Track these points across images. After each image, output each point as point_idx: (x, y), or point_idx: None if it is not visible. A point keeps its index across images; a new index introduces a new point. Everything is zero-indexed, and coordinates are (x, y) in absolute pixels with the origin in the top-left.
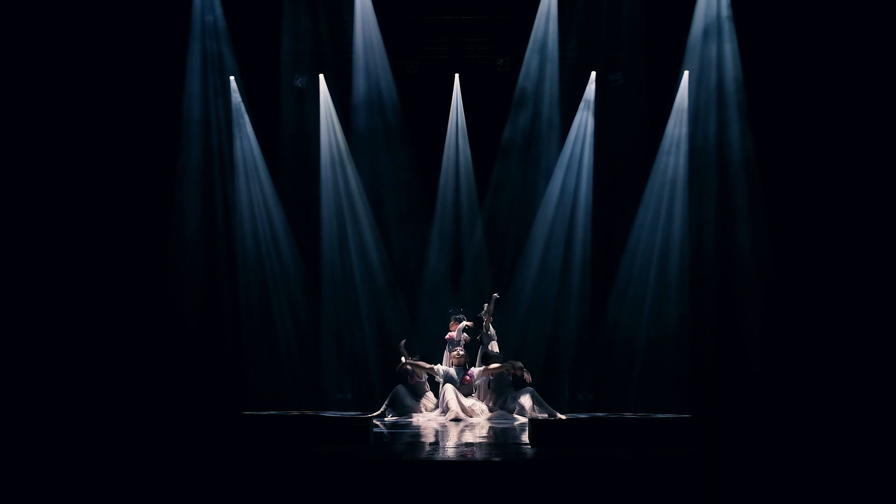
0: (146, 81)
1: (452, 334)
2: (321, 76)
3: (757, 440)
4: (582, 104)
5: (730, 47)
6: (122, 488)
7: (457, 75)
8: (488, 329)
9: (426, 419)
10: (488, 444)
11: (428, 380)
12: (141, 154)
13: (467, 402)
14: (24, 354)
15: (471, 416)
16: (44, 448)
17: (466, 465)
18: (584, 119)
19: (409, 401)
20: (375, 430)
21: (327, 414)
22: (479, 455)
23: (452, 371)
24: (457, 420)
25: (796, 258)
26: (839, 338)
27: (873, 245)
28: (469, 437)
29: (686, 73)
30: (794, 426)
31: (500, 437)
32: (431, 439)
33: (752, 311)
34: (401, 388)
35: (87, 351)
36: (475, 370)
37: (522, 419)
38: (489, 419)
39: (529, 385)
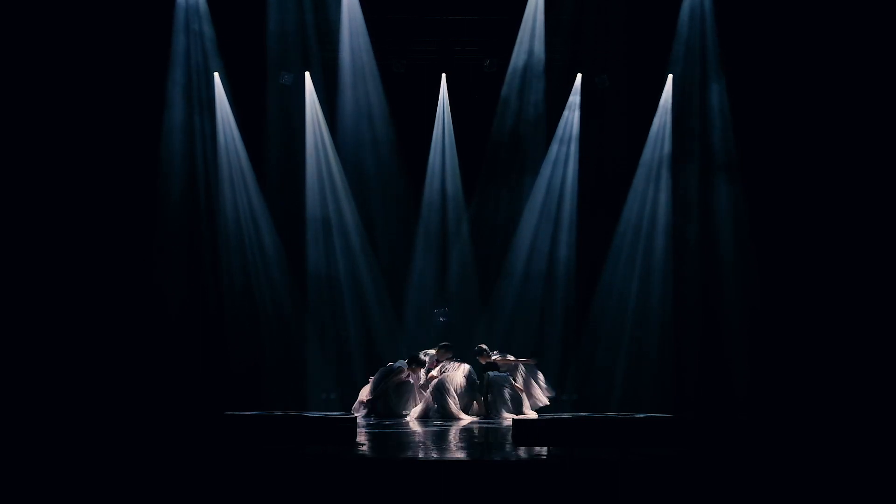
0: (129, 77)
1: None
2: (307, 74)
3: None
4: (568, 105)
5: (713, 50)
6: (102, 490)
7: (444, 75)
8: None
9: (411, 418)
10: (473, 444)
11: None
12: (123, 153)
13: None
14: None
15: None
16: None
17: (450, 464)
18: (569, 120)
19: (393, 400)
20: (360, 429)
21: (311, 414)
22: (463, 455)
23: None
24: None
25: (779, 257)
26: (823, 335)
27: (858, 244)
28: (454, 437)
29: (671, 76)
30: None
31: (485, 437)
32: (416, 439)
33: (735, 310)
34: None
35: (66, 349)
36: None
37: (507, 419)
38: (472, 420)
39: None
